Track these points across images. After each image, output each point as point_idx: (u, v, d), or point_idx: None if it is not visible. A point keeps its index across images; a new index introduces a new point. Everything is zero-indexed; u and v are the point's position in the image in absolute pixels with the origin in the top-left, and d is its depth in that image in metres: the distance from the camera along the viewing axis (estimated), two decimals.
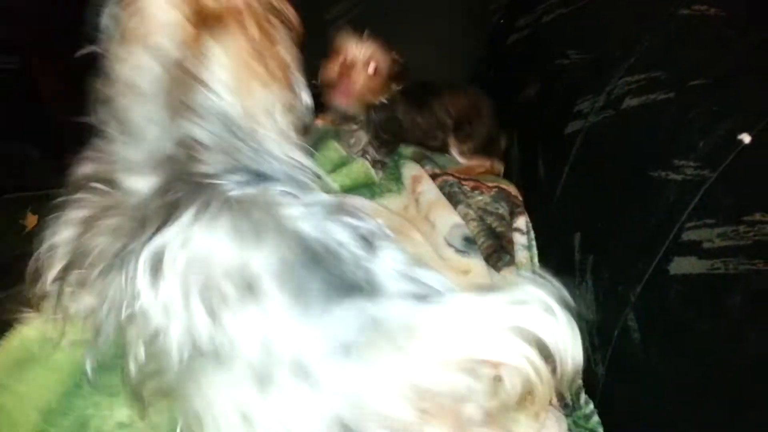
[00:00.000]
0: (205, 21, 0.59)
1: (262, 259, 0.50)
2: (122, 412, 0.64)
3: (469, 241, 0.90)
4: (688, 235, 0.64)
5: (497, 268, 0.87)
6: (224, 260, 0.51)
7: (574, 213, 0.86)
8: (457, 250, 0.89)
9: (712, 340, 0.59)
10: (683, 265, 0.64)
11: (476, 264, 0.87)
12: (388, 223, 0.92)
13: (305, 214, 0.54)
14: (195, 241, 0.52)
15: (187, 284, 0.51)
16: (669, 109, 0.75)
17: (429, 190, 0.97)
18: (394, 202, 1.00)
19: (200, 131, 0.58)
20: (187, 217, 0.53)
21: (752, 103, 0.67)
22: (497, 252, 0.88)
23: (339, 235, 0.53)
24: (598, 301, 0.76)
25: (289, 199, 0.56)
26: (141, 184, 0.59)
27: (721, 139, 0.66)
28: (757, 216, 0.58)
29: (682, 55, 0.79)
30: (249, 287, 0.49)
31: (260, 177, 0.59)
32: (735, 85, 0.71)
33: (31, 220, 1.68)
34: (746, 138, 0.63)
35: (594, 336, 0.76)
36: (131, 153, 0.61)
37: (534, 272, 0.92)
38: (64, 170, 2.00)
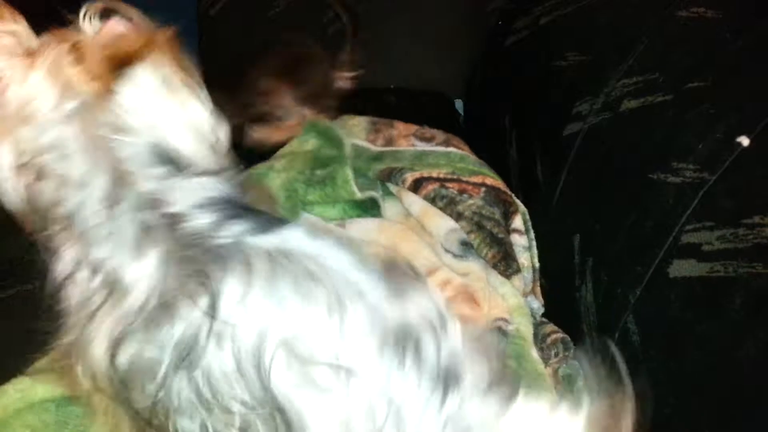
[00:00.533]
0: (113, 66, 0.50)
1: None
2: None
3: (466, 245, 0.90)
4: (688, 238, 0.64)
5: (507, 276, 0.86)
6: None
7: (573, 215, 0.86)
8: (455, 255, 0.89)
9: (711, 343, 0.60)
10: (683, 268, 0.64)
11: (474, 266, 0.87)
12: (389, 232, 0.93)
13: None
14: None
15: None
16: (667, 111, 0.75)
17: (412, 203, 0.96)
18: (393, 207, 1.00)
19: (153, 184, 0.51)
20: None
21: (750, 104, 0.67)
22: (505, 259, 0.87)
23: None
24: (598, 303, 0.76)
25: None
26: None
27: (720, 142, 0.66)
28: (757, 219, 0.58)
29: (680, 57, 0.79)
30: None
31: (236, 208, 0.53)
32: (733, 86, 0.71)
33: None
34: (745, 140, 0.63)
35: (594, 338, 0.76)
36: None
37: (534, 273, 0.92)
38: None
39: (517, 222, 0.95)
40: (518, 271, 0.89)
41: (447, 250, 0.90)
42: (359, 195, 0.94)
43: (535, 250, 0.94)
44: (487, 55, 1.32)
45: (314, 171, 0.98)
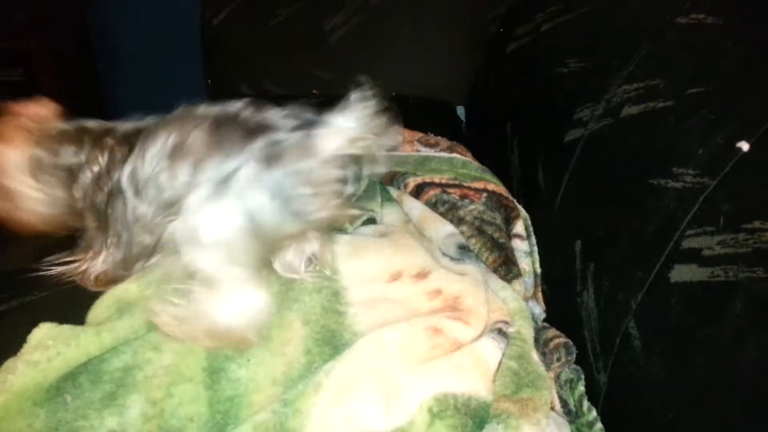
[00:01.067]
0: None
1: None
2: (112, 420, 0.63)
3: (463, 248, 0.90)
4: (689, 243, 0.65)
5: (507, 281, 0.86)
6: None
7: (574, 221, 0.86)
8: (452, 259, 0.89)
9: (713, 347, 0.59)
10: (684, 273, 0.64)
11: (472, 269, 0.87)
12: (387, 232, 0.93)
13: None
14: None
15: None
16: (668, 117, 0.76)
17: (413, 207, 0.97)
18: (393, 212, 1.00)
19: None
20: None
21: (751, 110, 0.67)
22: (506, 264, 0.88)
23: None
24: (600, 308, 0.76)
25: None
26: None
27: (720, 147, 0.66)
28: (757, 224, 0.58)
29: (681, 64, 0.79)
30: None
31: None
32: (733, 92, 0.71)
33: None
34: (745, 146, 0.63)
35: (596, 344, 0.76)
36: None
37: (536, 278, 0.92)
38: None
39: (519, 227, 0.95)
40: (519, 275, 0.89)
41: (444, 254, 0.90)
42: (350, 228, 0.94)
43: (536, 256, 0.94)
44: (489, 61, 1.32)
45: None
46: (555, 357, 0.80)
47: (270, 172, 0.67)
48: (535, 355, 0.77)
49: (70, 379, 0.65)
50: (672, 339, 0.64)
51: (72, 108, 1.98)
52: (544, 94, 1.04)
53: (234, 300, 0.68)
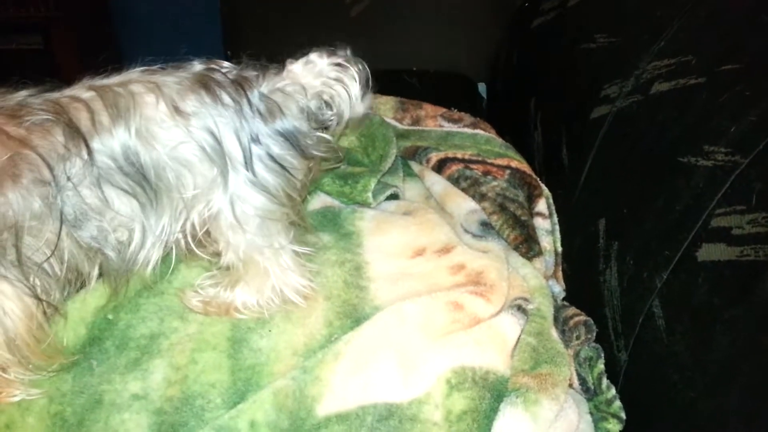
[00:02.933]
0: None
1: None
2: (136, 385, 0.65)
3: (486, 225, 0.89)
4: (718, 222, 0.63)
5: (528, 258, 0.86)
6: None
7: (598, 199, 0.85)
8: (474, 236, 0.89)
9: (739, 327, 0.59)
10: (712, 252, 0.63)
11: (494, 246, 0.87)
12: (411, 208, 0.93)
13: None
14: None
15: None
16: (699, 94, 0.74)
17: (435, 183, 0.96)
18: (414, 187, 1.00)
19: None
20: None
21: None
22: (527, 242, 0.87)
23: None
24: (622, 287, 0.75)
25: None
26: None
27: (753, 125, 0.64)
28: None
29: (713, 40, 0.77)
30: None
31: None
32: (767, 69, 0.69)
33: None
34: None
35: (617, 322, 0.76)
36: None
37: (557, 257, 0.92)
38: None
39: (541, 206, 0.94)
40: (540, 253, 0.89)
41: (466, 230, 0.90)
42: (373, 203, 0.94)
43: (558, 234, 0.93)
44: (512, 37, 1.30)
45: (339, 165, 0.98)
46: (574, 335, 0.80)
47: (275, 123, 0.68)
48: (554, 333, 0.77)
49: (97, 344, 0.66)
50: (697, 318, 0.64)
51: (91, 73, 1.97)
52: (570, 70, 1.02)
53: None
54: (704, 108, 0.72)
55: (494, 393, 0.65)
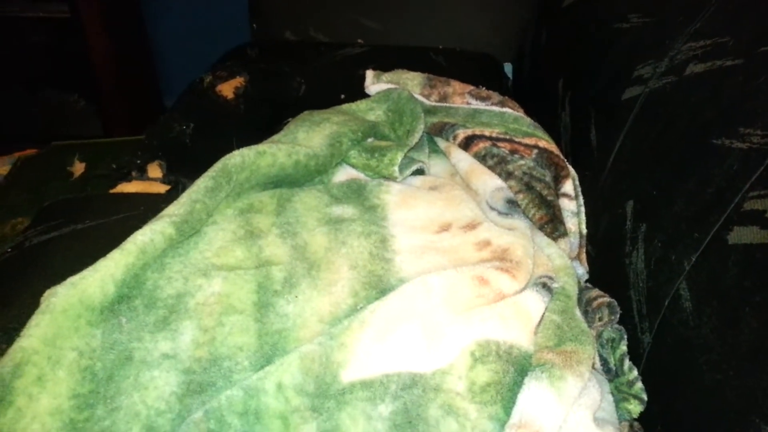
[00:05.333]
0: None
1: None
2: (166, 344, 0.65)
3: (511, 203, 0.89)
4: (751, 205, 0.63)
5: (553, 239, 0.85)
6: None
7: (627, 181, 0.84)
8: (500, 213, 0.89)
9: None
10: (744, 235, 0.63)
11: (519, 224, 0.86)
12: (437, 184, 0.93)
13: None
14: None
15: None
16: (736, 76, 0.73)
17: (461, 159, 0.96)
18: (440, 164, 1.00)
19: None
20: None
21: None
22: (552, 222, 0.87)
23: None
24: (649, 269, 0.75)
25: None
26: None
27: None
28: None
29: (750, 21, 0.76)
30: None
31: None
32: None
33: (78, 167, 1.74)
34: None
35: (642, 304, 0.75)
36: None
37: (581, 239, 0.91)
38: (112, 121, 2.06)
39: (568, 186, 0.94)
40: (565, 234, 0.88)
41: (492, 208, 0.89)
42: (400, 178, 0.93)
43: (583, 216, 0.93)
44: (542, 16, 1.29)
45: (366, 137, 0.98)
46: (597, 316, 0.79)
47: None
48: (578, 312, 0.77)
49: (125, 302, 0.67)
50: (726, 301, 0.63)
51: (116, 45, 1.99)
52: (601, 51, 1.01)
53: None
54: (740, 90, 0.71)
55: (518, 367, 0.65)
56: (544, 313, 0.73)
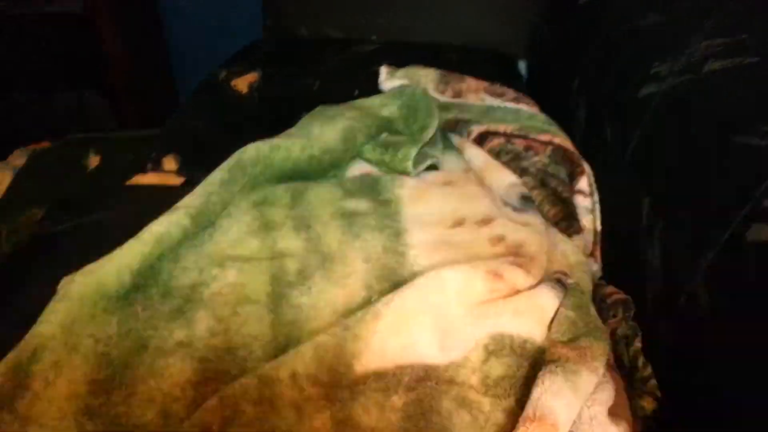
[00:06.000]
0: None
1: None
2: (181, 333, 0.66)
3: (526, 199, 0.89)
4: None
5: (567, 235, 0.85)
6: None
7: (643, 178, 0.84)
8: (515, 208, 0.89)
9: None
10: (762, 232, 0.62)
11: (534, 220, 0.86)
12: (451, 179, 0.93)
13: None
14: None
15: None
16: (754, 74, 0.72)
17: (475, 155, 0.96)
18: (454, 159, 1.00)
19: None
20: None
21: None
22: (567, 219, 0.86)
23: None
24: (665, 267, 0.75)
25: None
26: None
27: None
28: None
29: None
30: None
31: None
32: None
33: (93, 160, 1.75)
34: None
35: (658, 302, 0.75)
36: None
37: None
38: (127, 117, 2.06)
39: (582, 183, 0.93)
40: (579, 231, 0.88)
41: (506, 203, 0.89)
42: (413, 173, 0.94)
43: (598, 213, 0.92)
44: (557, 14, 1.28)
45: (380, 133, 0.98)
46: (611, 313, 0.79)
47: None
48: (592, 309, 0.76)
49: (141, 291, 0.68)
50: (744, 299, 0.63)
51: (130, 41, 1.99)
52: (617, 48, 1.00)
53: None
54: (760, 88, 0.71)
55: (532, 361, 0.65)
56: (558, 309, 0.73)
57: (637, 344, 0.75)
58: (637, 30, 0.96)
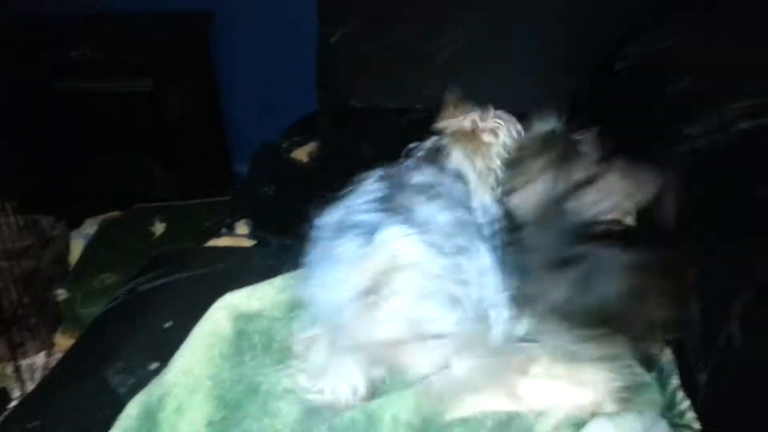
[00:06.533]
0: None
1: None
2: (287, 381, 0.75)
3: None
4: None
5: None
6: None
7: (678, 230, 0.91)
8: None
9: None
10: None
11: None
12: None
13: None
14: None
15: None
16: None
17: None
18: None
19: None
20: None
21: None
22: None
23: None
24: (704, 310, 0.81)
25: None
26: None
27: None
28: None
29: None
30: None
31: None
32: None
33: (158, 227, 1.89)
34: None
35: (697, 344, 0.80)
36: None
37: None
38: (186, 184, 2.19)
39: None
40: None
41: None
42: None
43: None
44: (593, 81, 1.38)
45: None
46: None
47: None
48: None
49: (246, 339, 0.78)
50: None
51: (189, 114, 2.13)
52: (651, 111, 1.09)
53: None
54: None
55: None
56: None
57: (674, 381, 0.80)
58: (671, 93, 1.04)
